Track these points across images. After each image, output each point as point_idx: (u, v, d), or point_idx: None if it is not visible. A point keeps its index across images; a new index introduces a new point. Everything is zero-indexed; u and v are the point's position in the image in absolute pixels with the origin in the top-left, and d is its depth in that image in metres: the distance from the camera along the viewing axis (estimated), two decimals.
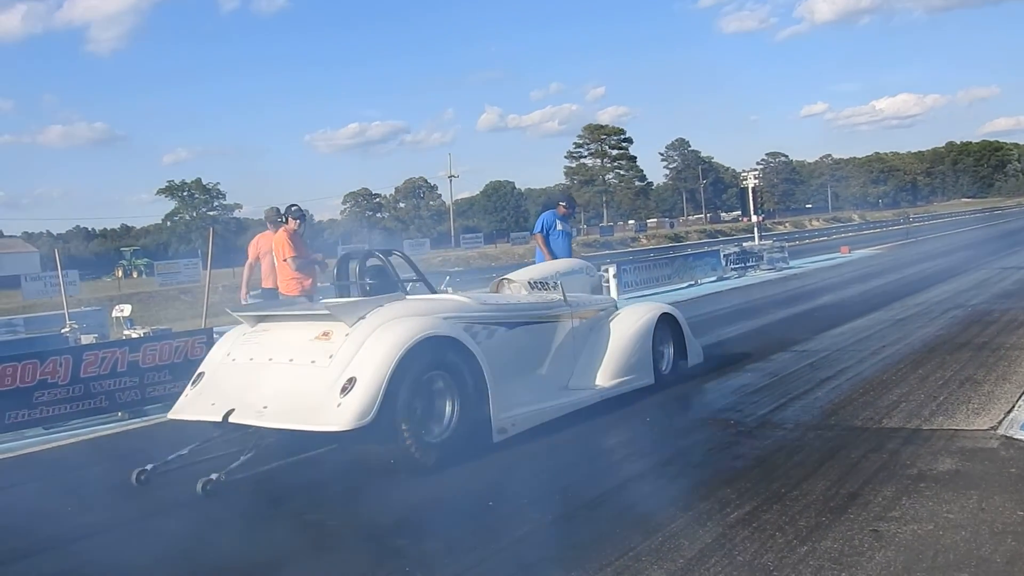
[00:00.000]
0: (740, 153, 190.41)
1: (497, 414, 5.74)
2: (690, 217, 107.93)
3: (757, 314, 13.16)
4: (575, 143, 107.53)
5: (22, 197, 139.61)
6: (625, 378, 7.06)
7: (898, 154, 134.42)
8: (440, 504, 4.80)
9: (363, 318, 5.54)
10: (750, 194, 26.81)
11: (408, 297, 6.14)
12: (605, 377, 6.98)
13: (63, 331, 10.03)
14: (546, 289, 7.20)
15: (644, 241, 71.70)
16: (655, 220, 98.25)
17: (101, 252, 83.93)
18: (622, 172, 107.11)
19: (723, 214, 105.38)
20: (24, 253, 73.68)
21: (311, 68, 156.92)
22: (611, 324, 7.40)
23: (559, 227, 11.27)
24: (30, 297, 39.80)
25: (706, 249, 26.91)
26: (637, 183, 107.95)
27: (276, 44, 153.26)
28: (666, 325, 7.78)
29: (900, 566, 3.48)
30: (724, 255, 22.58)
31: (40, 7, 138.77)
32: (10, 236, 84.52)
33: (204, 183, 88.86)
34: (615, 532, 4.07)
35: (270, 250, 9.36)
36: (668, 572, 3.57)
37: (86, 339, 9.43)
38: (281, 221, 9.24)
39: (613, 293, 17.48)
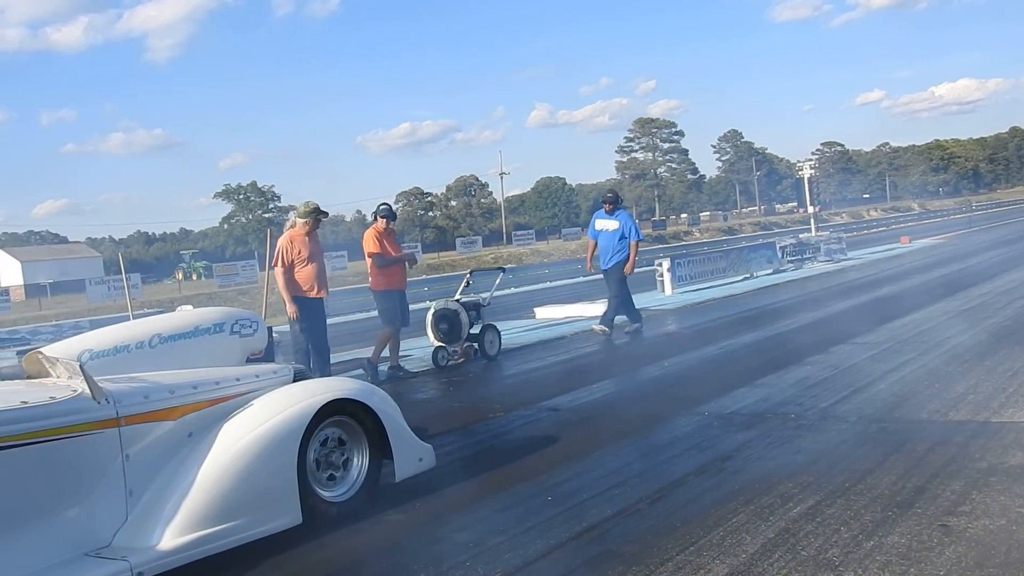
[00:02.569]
0: (794, 143, 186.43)
1: None
2: (744, 209, 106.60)
3: (815, 306, 12.95)
4: (626, 137, 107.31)
5: (86, 204, 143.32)
6: (230, 524, 4.06)
7: (959, 141, 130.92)
8: (497, 500, 4.79)
9: None
10: (806, 185, 26.44)
11: None
12: (187, 525, 3.94)
13: None
14: (73, 374, 4.05)
15: (697, 234, 71.08)
16: (708, 213, 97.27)
17: (161, 256, 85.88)
18: (674, 165, 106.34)
19: (778, 206, 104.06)
20: (88, 258, 75.78)
21: (363, 69, 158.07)
22: (223, 429, 4.32)
23: (598, 227, 11.28)
24: (94, 300, 40.99)
25: (761, 241, 26.52)
26: (689, 176, 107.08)
27: (328, 47, 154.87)
28: (354, 420, 4.76)
29: (971, 562, 3.38)
30: (780, 247, 22.28)
31: (100, 19, 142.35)
32: (75, 242, 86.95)
33: (259, 186, 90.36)
34: (675, 527, 4.04)
35: (311, 254, 8.66)
36: (730, 567, 3.53)
37: None
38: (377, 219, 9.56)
39: (667, 288, 17.37)
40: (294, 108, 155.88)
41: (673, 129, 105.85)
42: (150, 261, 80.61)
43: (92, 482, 3.89)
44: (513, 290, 22.15)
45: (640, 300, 16.12)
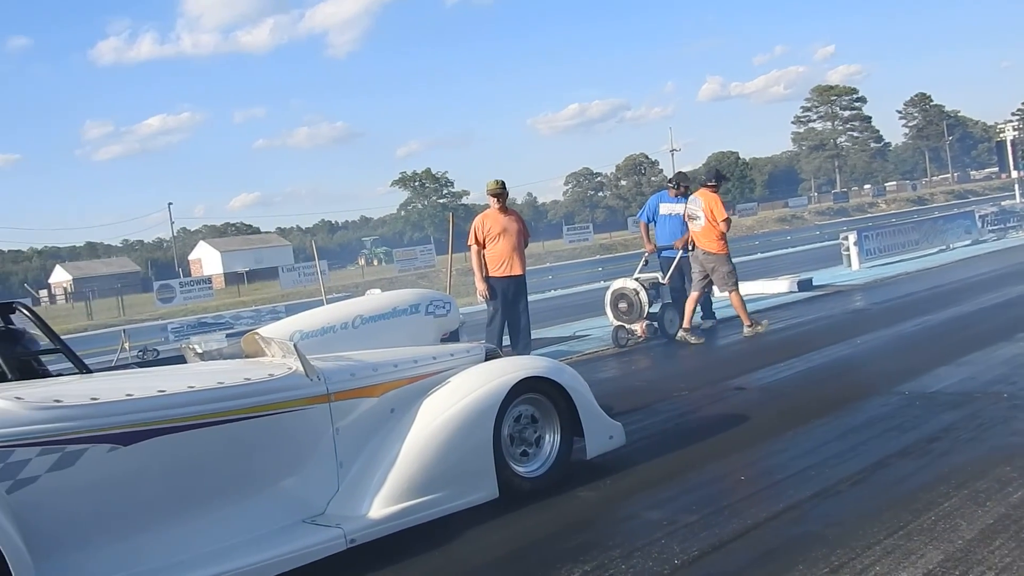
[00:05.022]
0: (991, 104, 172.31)
1: None
2: (934, 177, 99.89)
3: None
4: (802, 107, 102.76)
5: (275, 195, 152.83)
6: (432, 496, 4.22)
7: None
8: (688, 478, 4.74)
9: None
10: (1009, 148, 24.42)
11: None
12: (393, 496, 4.13)
13: None
14: (287, 354, 4.26)
15: (884, 206, 67.50)
16: (894, 183, 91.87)
17: (344, 243, 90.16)
18: (855, 134, 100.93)
19: (973, 172, 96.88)
20: (279, 247, 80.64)
21: (531, 51, 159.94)
22: (422, 405, 4.48)
23: (664, 211, 10.65)
24: (287, 286, 43.67)
25: (956, 211, 24.81)
26: (873, 145, 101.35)
27: (496, 31, 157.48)
28: (546, 398, 4.80)
29: None
30: (980, 216, 20.79)
31: (285, 19, 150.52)
32: (267, 232, 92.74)
33: (433, 172, 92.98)
34: (880, 510, 3.85)
35: (503, 231, 8.84)
36: (945, 553, 3.33)
37: None
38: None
39: (854, 263, 16.58)
40: (465, 94, 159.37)
41: (854, 96, 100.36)
42: (334, 248, 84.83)
43: (307, 454, 4.15)
44: None
45: (825, 275, 15.54)
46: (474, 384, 4.59)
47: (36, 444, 3.30)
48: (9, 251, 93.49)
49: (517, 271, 8.89)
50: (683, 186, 10.73)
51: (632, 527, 4.08)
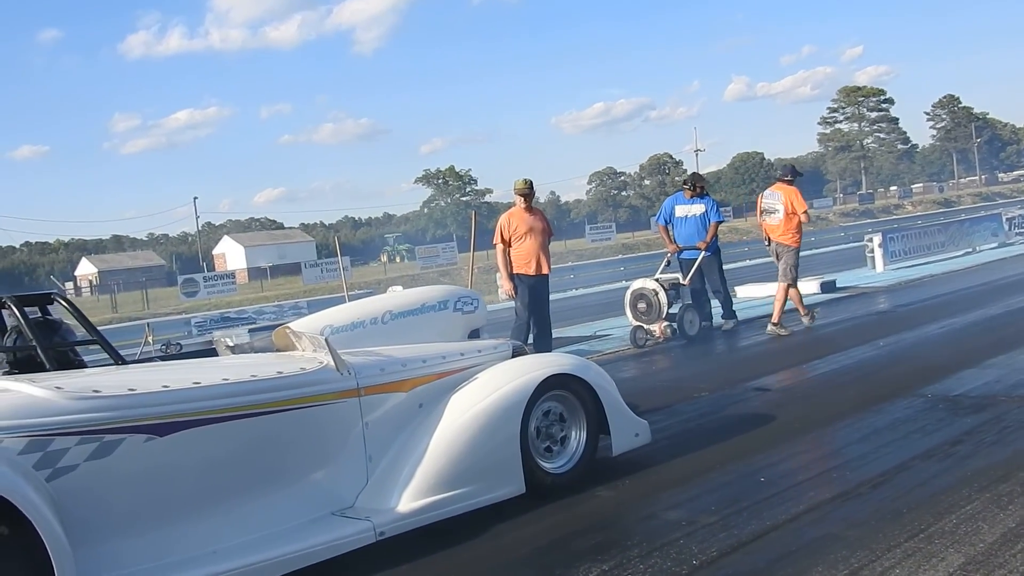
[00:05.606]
0: (1021, 107, 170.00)
1: None
2: (961, 180, 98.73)
3: None
4: (829, 108, 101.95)
5: (300, 191, 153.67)
6: (460, 490, 4.24)
7: None
8: (708, 479, 4.74)
9: None
10: None
11: None
12: (422, 490, 4.16)
13: None
14: (318, 348, 4.33)
15: (910, 208, 66.97)
16: (921, 185, 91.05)
17: (367, 239, 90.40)
18: (882, 135, 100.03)
19: (1001, 175, 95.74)
20: (303, 242, 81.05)
21: (557, 50, 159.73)
22: (451, 401, 4.52)
23: (680, 212, 10.60)
24: (309, 282, 43.94)
25: (983, 213, 24.56)
26: (900, 146, 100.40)
27: (522, 29, 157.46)
28: (572, 394, 4.80)
29: None
30: (1007, 219, 20.62)
31: (312, 15, 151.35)
32: (290, 227, 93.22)
33: (457, 170, 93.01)
34: (902, 512, 3.85)
35: (529, 230, 8.92)
36: (967, 556, 3.32)
37: None
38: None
39: (879, 265, 16.48)
40: (490, 92, 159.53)
41: (882, 97, 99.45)
42: (357, 244, 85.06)
43: (337, 447, 4.20)
44: None
45: (849, 277, 15.45)
46: (502, 380, 4.61)
47: (75, 433, 3.36)
48: (36, 243, 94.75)
49: (544, 270, 8.97)
50: (698, 187, 10.72)
51: (651, 527, 4.08)
